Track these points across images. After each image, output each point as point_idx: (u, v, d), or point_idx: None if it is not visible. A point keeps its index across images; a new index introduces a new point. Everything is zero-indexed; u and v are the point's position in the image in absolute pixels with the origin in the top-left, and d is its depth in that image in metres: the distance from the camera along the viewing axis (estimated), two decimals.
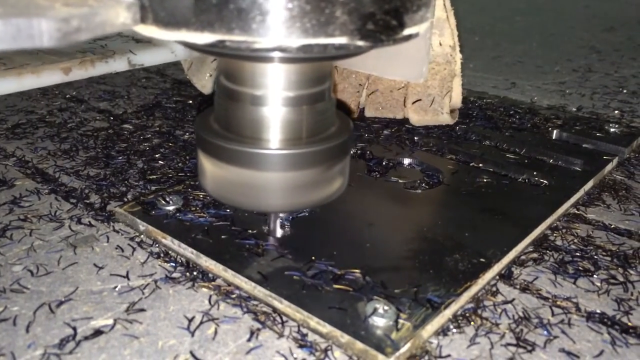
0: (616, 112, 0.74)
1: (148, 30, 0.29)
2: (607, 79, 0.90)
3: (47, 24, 0.25)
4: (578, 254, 0.41)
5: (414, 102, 0.60)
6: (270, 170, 0.34)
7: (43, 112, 0.67)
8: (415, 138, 0.58)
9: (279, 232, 0.40)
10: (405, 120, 0.62)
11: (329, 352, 0.31)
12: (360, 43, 0.29)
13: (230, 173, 0.35)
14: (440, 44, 0.57)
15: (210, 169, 0.36)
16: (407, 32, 0.31)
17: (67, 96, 0.74)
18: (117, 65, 0.60)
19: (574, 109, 0.74)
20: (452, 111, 0.60)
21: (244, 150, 0.34)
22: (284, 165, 0.34)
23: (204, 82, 0.70)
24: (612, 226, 0.45)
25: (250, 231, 0.40)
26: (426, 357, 0.31)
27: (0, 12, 0.24)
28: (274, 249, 0.38)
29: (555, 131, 0.62)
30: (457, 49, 0.58)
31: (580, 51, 1.09)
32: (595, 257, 0.41)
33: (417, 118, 0.60)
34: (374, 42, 0.30)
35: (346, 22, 0.28)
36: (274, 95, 0.34)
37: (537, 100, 0.78)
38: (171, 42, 0.58)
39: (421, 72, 0.41)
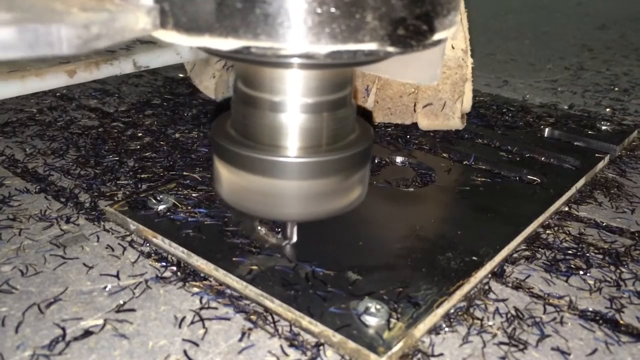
0: (608, 109, 0.74)
1: (168, 36, 0.28)
2: (599, 76, 0.90)
3: (67, 30, 0.23)
4: (570, 252, 0.41)
5: (424, 106, 0.59)
6: (289, 178, 0.33)
7: (33, 111, 0.67)
8: (408, 136, 0.58)
9: (294, 239, 0.39)
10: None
11: (321, 352, 0.31)
12: (391, 49, 0.28)
13: (247, 181, 0.34)
14: (453, 47, 0.56)
15: (227, 176, 0.35)
16: (436, 37, 0.30)
17: (57, 94, 0.73)
18: (123, 67, 0.59)
19: (566, 107, 0.74)
20: (461, 116, 0.60)
21: (261, 157, 0.33)
22: (303, 174, 0.33)
23: (207, 84, 0.69)
24: (604, 224, 0.45)
25: (242, 230, 0.40)
26: (419, 356, 0.31)
27: (15, 18, 0.23)
28: (265, 248, 0.38)
29: (547, 129, 0.62)
30: (469, 52, 0.57)
31: (572, 49, 1.09)
32: (588, 255, 0.41)
33: (427, 123, 0.59)
34: (404, 48, 0.28)
35: (376, 28, 0.27)
36: (294, 101, 0.33)
37: (529, 98, 0.78)
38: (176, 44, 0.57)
39: (435, 74, 0.41)
